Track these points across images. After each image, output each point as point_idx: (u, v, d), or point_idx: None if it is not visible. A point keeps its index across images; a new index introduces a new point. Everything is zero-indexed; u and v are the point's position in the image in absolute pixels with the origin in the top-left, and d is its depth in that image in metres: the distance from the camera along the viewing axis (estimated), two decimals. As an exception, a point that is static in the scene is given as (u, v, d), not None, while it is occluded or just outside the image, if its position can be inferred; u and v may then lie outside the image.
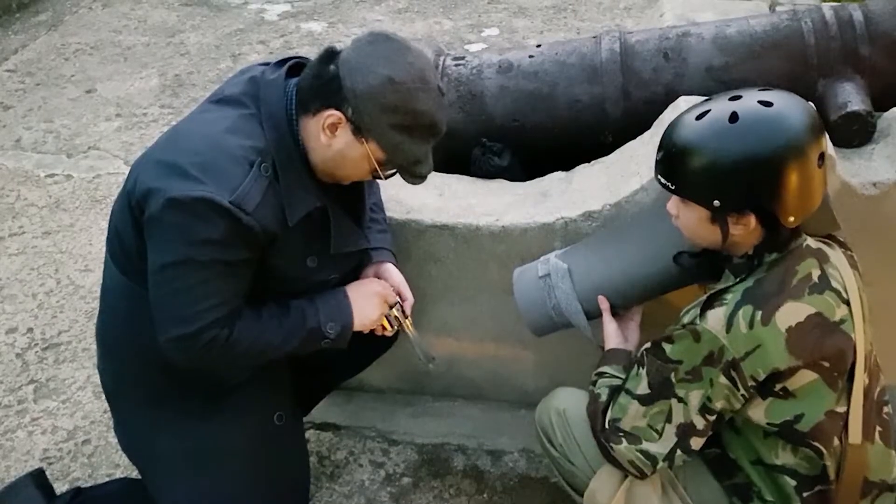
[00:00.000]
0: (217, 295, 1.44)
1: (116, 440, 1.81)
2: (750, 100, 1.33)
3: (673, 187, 1.38)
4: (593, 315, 1.70)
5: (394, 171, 1.51)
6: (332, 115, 1.42)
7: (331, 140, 1.44)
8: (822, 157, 1.31)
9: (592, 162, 2.04)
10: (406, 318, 1.71)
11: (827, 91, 1.90)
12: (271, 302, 1.56)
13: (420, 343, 1.76)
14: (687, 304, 1.56)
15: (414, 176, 1.52)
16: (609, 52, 2.04)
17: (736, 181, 1.31)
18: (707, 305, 1.35)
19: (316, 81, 1.45)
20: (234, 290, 1.47)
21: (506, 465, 2.13)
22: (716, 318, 1.33)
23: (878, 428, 1.42)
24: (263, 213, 1.42)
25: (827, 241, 1.44)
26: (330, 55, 1.45)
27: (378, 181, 1.85)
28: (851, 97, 1.86)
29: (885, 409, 1.46)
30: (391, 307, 1.69)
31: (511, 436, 2.19)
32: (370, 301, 1.64)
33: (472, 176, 2.12)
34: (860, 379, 1.37)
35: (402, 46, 1.45)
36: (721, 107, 1.34)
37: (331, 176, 1.52)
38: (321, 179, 1.52)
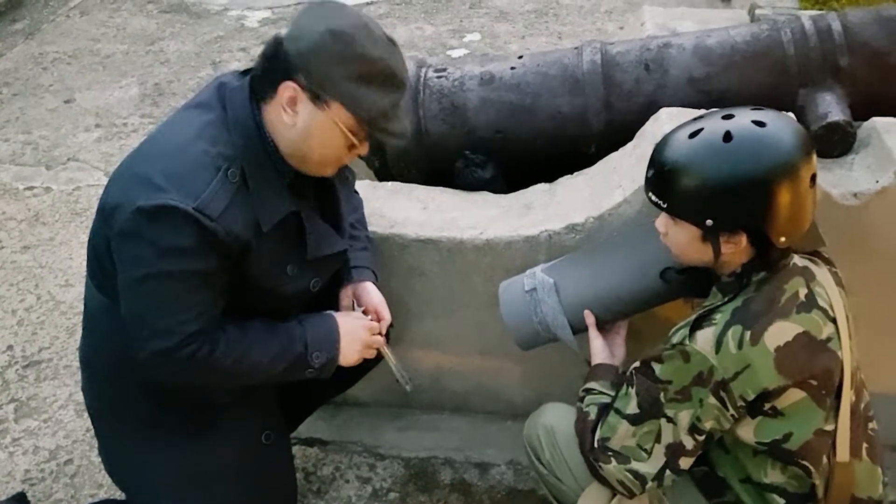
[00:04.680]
0: (193, 307, 1.42)
1: (99, 460, 1.79)
2: (743, 119, 1.33)
3: (665, 206, 1.38)
4: (579, 329, 1.70)
5: (369, 136, 1.46)
6: (287, 87, 1.39)
7: (294, 118, 1.41)
8: (813, 177, 1.32)
9: (575, 173, 2.04)
10: (383, 336, 1.70)
11: (807, 101, 1.91)
12: (258, 321, 1.54)
13: (397, 366, 1.75)
14: (673, 317, 1.57)
15: (388, 133, 1.45)
16: (591, 63, 2.04)
17: (730, 201, 1.31)
18: (696, 325, 1.34)
19: (264, 64, 1.44)
20: (209, 300, 1.45)
21: (493, 478, 2.13)
22: (705, 339, 1.32)
23: (864, 444, 1.42)
24: (231, 219, 1.40)
25: (812, 258, 1.44)
26: (276, 40, 1.43)
27: (360, 196, 1.86)
28: (832, 107, 1.87)
29: (871, 425, 1.46)
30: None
31: (498, 448, 2.19)
32: (356, 342, 1.63)
33: (455, 188, 2.11)
34: (847, 396, 1.37)
35: (338, 5, 1.44)
36: (714, 125, 1.33)
37: (307, 164, 1.48)
38: (298, 174, 1.49)
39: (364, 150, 1.48)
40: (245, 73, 1.52)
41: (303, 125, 1.42)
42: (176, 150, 1.42)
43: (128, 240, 1.39)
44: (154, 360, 1.43)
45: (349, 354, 1.61)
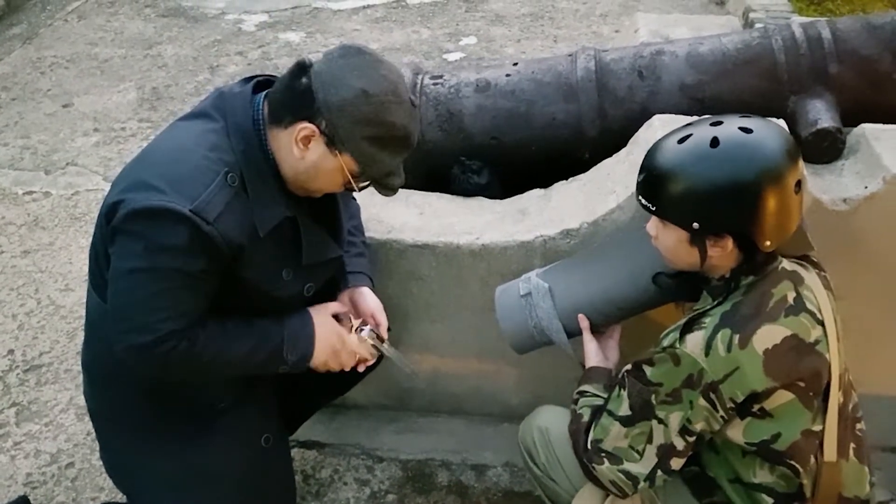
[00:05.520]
0: (175, 306, 1.44)
1: (100, 463, 1.81)
2: (730, 125, 1.36)
3: (653, 209, 1.41)
4: (574, 333, 1.72)
5: (367, 183, 1.51)
6: (306, 128, 1.42)
7: (304, 153, 1.45)
8: (798, 183, 1.34)
9: (570, 179, 2.07)
10: (383, 341, 1.72)
11: (797, 108, 1.94)
12: (236, 318, 1.55)
13: (400, 360, 1.77)
14: (665, 321, 1.59)
15: (386, 188, 1.52)
16: (585, 70, 2.07)
17: (715, 205, 1.34)
18: (686, 329, 1.37)
19: (288, 94, 1.45)
20: (193, 302, 1.47)
21: (490, 480, 2.16)
22: (694, 342, 1.35)
23: (852, 445, 1.45)
24: (227, 223, 1.42)
25: (801, 262, 1.46)
26: (301, 68, 1.45)
27: (357, 203, 1.89)
28: (821, 114, 1.90)
29: (859, 426, 1.49)
30: (356, 330, 1.68)
31: (495, 450, 2.22)
32: (328, 345, 1.63)
33: (451, 194, 2.14)
34: (835, 398, 1.40)
35: (375, 59, 1.45)
36: (702, 132, 1.37)
37: (303, 188, 1.53)
38: (292, 191, 1.53)
39: (359, 191, 1.54)
40: (246, 81, 1.54)
41: (310, 162, 1.46)
42: (175, 155, 1.45)
43: (121, 236, 1.42)
44: (130, 353, 1.46)
45: (320, 355, 1.63)
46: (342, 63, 1.43)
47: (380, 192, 1.54)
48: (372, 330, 1.70)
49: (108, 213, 1.44)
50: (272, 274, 1.55)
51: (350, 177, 1.47)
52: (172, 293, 1.43)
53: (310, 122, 1.42)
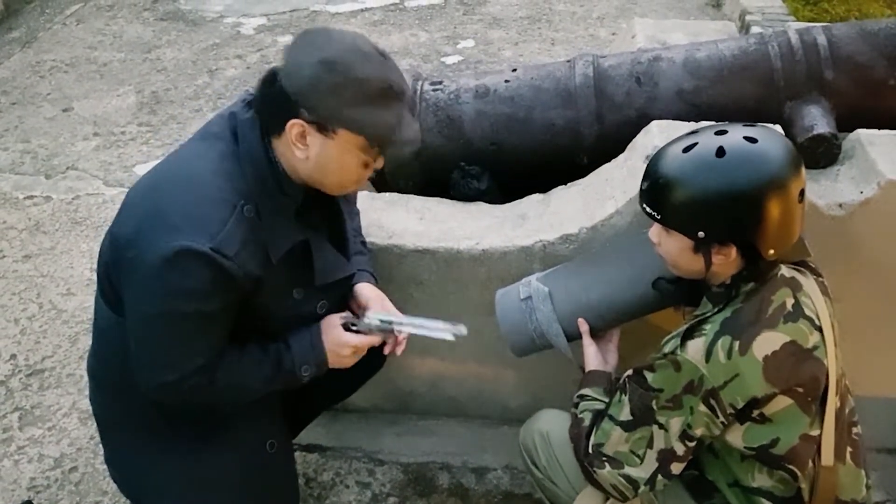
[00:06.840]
0: (198, 344, 1.47)
1: (104, 467, 1.83)
2: (735, 135, 1.37)
3: (658, 217, 1.42)
4: (573, 337, 1.74)
5: (382, 151, 1.47)
6: (294, 124, 1.41)
7: (306, 151, 1.44)
8: (802, 192, 1.36)
9: (569, 184, 2.09)
10: (390, 323, 1.64)
11: (793, 114, 1.96)
12: (252, 345, 1.57)
13: (434, 327, 1.67)
14: (664, 325, 1.61)
15: (400, 143, 1.46)
16: (583, 76, 2.09)
17: (721, 214, 1.35)
18: (687, 335, 1.39)
19: (267, 102, 1.45)
20: (215, 338, 1.50)
21: (490, 483, 2.17)
22: (695, 349, 1.37)
23: (848, 448, 1.47)
24: (245, 257, 1.43)
25: (799, 268, 1.48)
26: (271, 74, 1.44)
27: (357, 208, 1.90)
28: (817, 120, 1.92)
29: (855, 430, 1.52)
30: (360, 321, 1.65)
31: (494, 452, 2.23)
32: (343, 352, 1.62)
33: (451, 199, 2.16)
34: (832, 403, 1.42)
35: (324, 30, 1.44)
36: (707, 141, 1.38)
37: (321, 185, 1.51)
38: (305, 200, 1.52)
39: (380, 164, 1.50)
40: (250, 104, 1.52)
41: (315, 156, 1.45)
42: (192, 185, 1.44)
43: (141, 277, 1.42)
44: (158, 390, 1.51)
45: (339, 360, 1.64)
46: (296, 49, 1.42)
47: (401, 152, 1.50)
48: (376, 314, 1.63)
49: (124, 245, 1.44)
50: (284, 295, 1.57)
51: (359, 152, 1.44)
52: (198, 332, 1.46)
53: (294, 117, 1.41)
